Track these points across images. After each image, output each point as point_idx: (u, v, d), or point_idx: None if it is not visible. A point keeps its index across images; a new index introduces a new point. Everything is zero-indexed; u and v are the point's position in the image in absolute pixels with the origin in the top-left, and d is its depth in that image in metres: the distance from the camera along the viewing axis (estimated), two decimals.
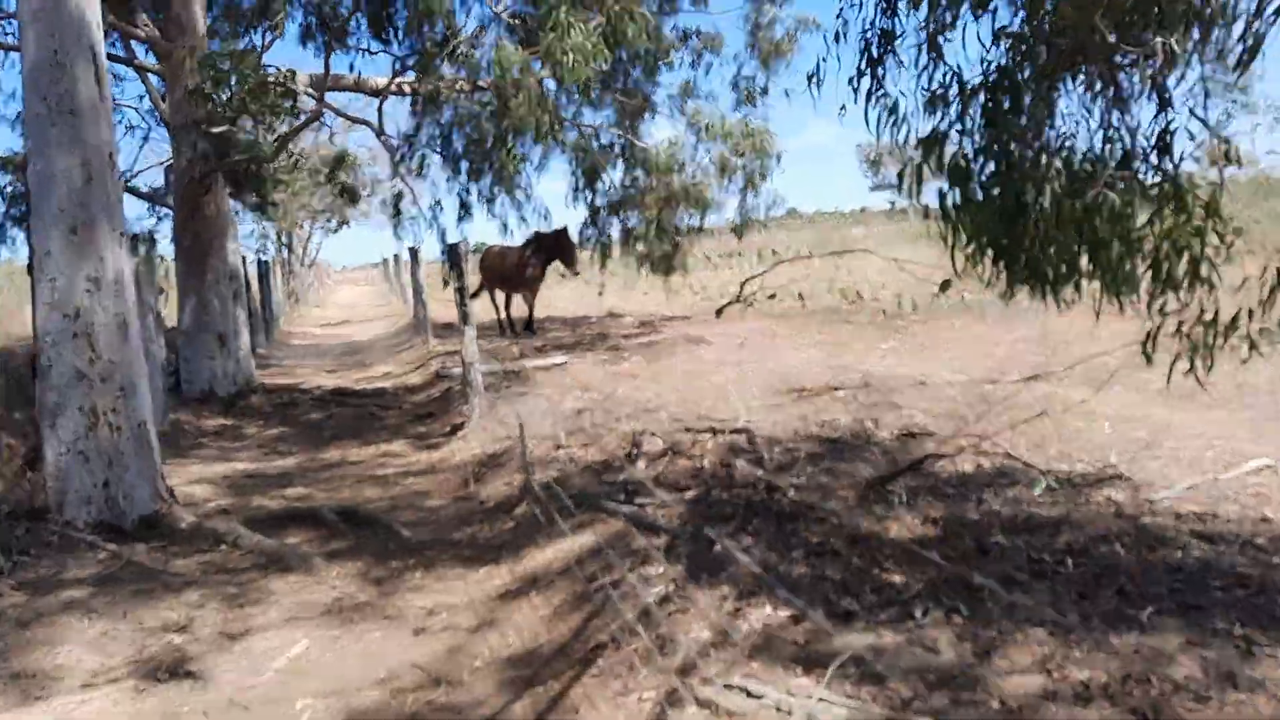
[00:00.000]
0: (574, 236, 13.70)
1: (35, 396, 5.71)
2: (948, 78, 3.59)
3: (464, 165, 9.39)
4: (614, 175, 11.96)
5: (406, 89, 10.51)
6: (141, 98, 12.17)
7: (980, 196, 3.41)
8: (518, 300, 15.10)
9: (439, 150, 9.41)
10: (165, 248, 12.31)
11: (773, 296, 15.33)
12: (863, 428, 6.40)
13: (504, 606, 4.37)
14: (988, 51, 3.43)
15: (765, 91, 13.72)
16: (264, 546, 5.44)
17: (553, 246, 13.30)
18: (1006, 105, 3.34)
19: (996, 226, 3.35)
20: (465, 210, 9.95)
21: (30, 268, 5.68)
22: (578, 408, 7.90)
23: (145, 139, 13.00)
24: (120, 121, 13.24)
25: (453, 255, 8.14)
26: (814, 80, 3.87)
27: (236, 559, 5.38)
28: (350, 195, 16.23)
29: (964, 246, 3.56)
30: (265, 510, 6.41)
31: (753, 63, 13.70)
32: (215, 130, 9.04)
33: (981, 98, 3.45)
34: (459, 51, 8.33)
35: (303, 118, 9.91)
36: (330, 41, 9.56)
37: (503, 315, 15.02)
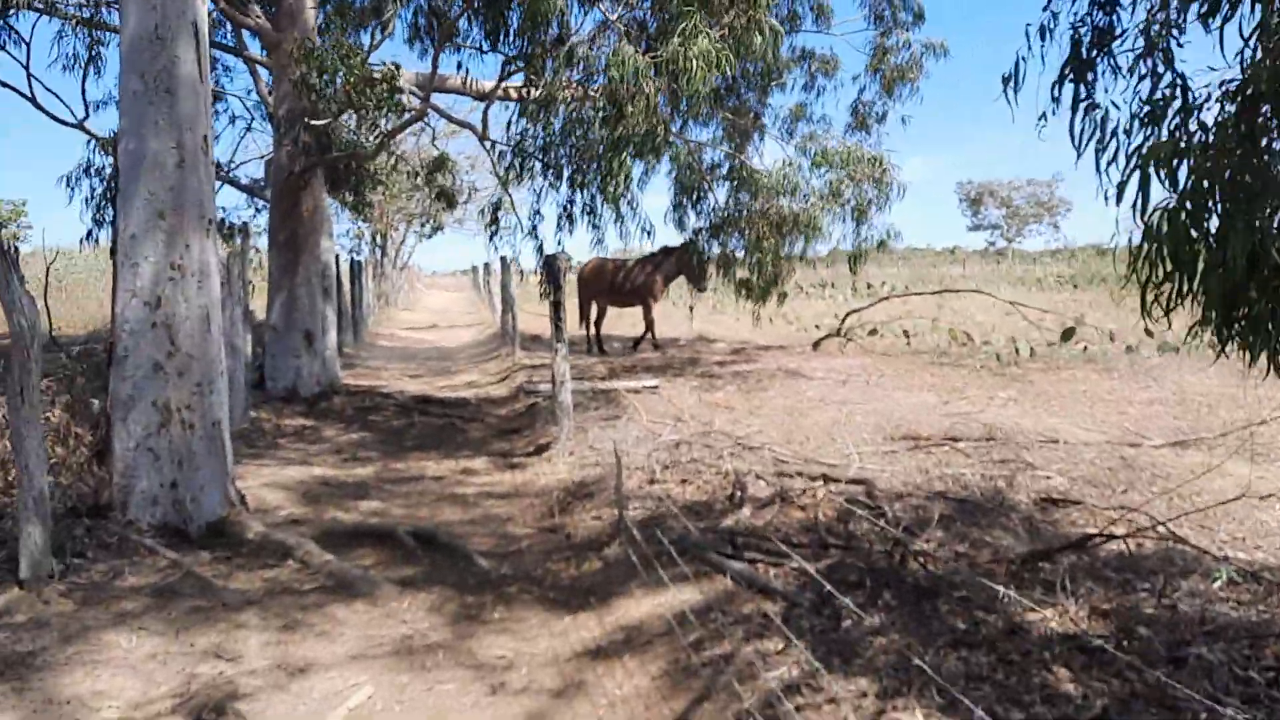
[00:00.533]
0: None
1: (109, 386, 5.39)
2: (1173, 89, 2.98)
3: (568, 174, 8.95)
4: (718, 195, 11.43)
5: (514, 93, 10.15)
6: (249, 91, 11.98)
7: (1216, 228, 2.79)
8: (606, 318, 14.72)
9: (542, 158, 8.98)
10: (261, 242, 12.18)
11: (874, 332, 14.66)
12: (995, 488, 5.74)
13: (593, 667, 3.84)
14: (1235, 55, 2.82)
15: (883, 118, 13.10)
16: (333, 567, 5.01)
17: (680, 261, 12.85)
18: (1264, 118, 2.71)
19: (1230, 266, 2.73)
20: (568, 221, 9.51)
21: (114, 250, 5.37)
22: (673, 439, 7.36)
23: (248, 129, 12.80)
24: (225, 111, 13.22)
25: (550, 267, 7.71)
26: (1010, 84, 3.28)
27: (303, 578, 4.96)
28: (448, 200, 15.97)
29: (1165, 283, 2.93)
30: (338, 524, 6.01)
31: (874, 87, 13.11)
32: (317, 124, 8.76)
33: (1220, 110, 2.84)
34: (575, 54, 7.90)
35: (406, 116, 9.61)
36: (438, 39, 9.23)
37: (593, 332, 14.61)
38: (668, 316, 20.29)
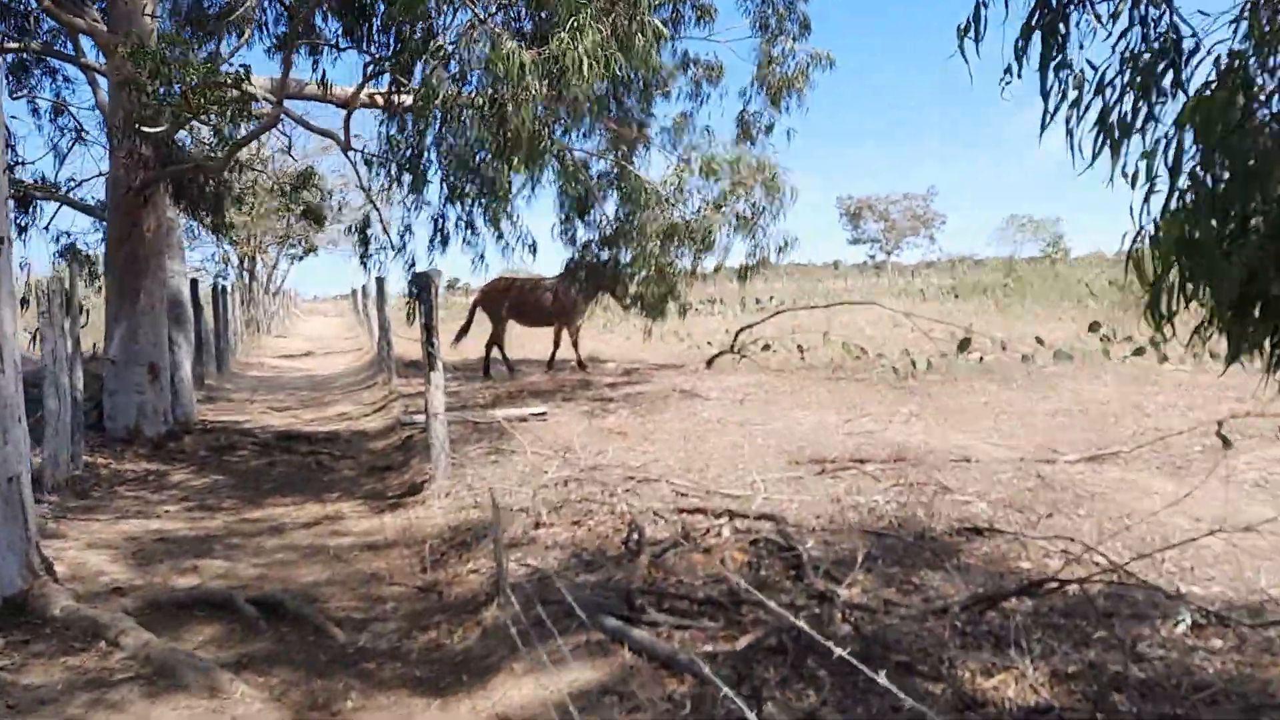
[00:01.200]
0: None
1: None
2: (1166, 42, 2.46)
3: (442, 187, 8.22)
4: (606, 208, 10.84)
5: (379, 100, 9.36)
6: (93, 106, 10.86)
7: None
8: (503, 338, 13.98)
9: (411, 169, 8.23)
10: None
11: (767, 348, 14.27)
12: (912, 517, 5.24)
13: None
14: None
15: (770, 130, 12.72)
16: (153, 650, 4.17)
17: (596, 277, 12.18)
18: None
19: (1250, 258, 2.21)
20: (441, 238, 8.75)
21: None
22: (562, 475, 6.68)
23: (77, 138, 11.62)
24: (69, 127, 12.00)
25: (421, 285, 6.97)
26: (968, 34, 2.70)
27: (115, 666, 4.11)
28: (314, 218, 14.99)
29: (1176, 279, 2.41)
30: (169, 591, 5.14)
31: (760, 98, 12.72)
32: (152, 131, 7.83)
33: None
34: (448, 52, 7.19)
35: (256, 125, 8.72)
36: (289, 36, 8.38)
37: (492, 354, 13.83)
38: (545, 337, 19.62)
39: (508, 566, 4.51)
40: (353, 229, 9.82)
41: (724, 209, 9.72)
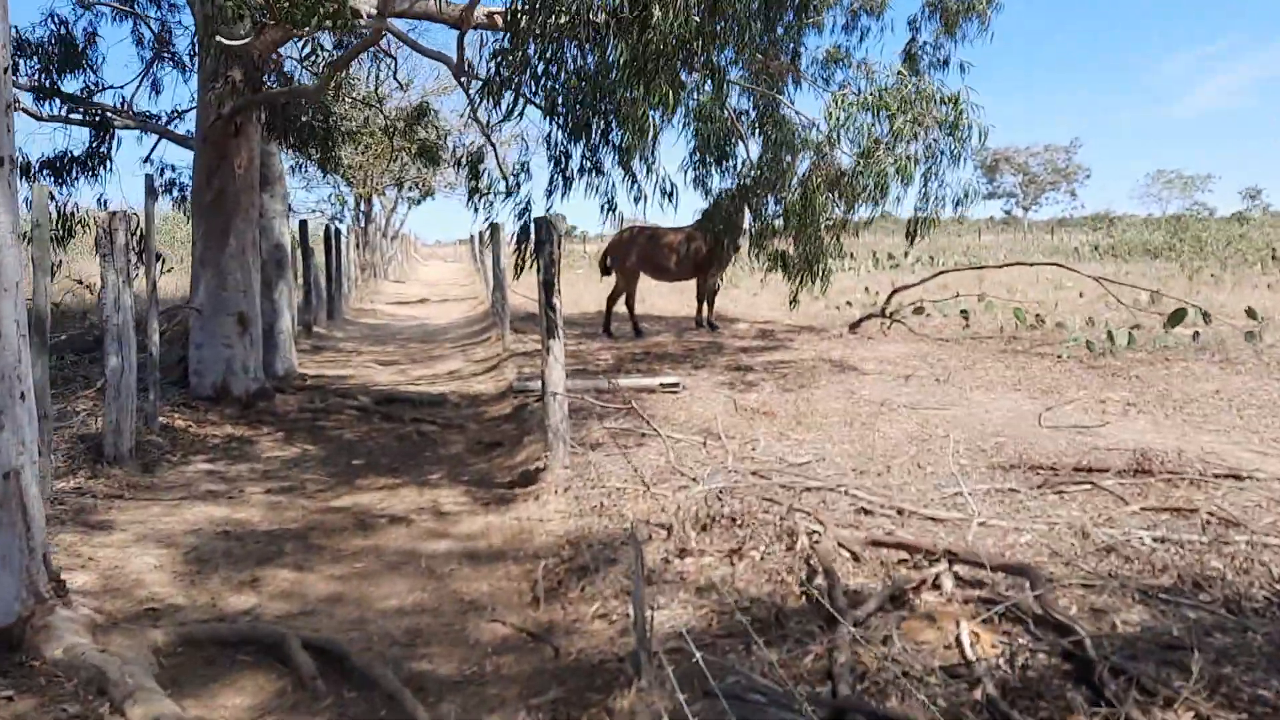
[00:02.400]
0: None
1: None
2: None
3: (563, 120, 6.88)
4: (750, 150, 9.35)
5: (498, 18, 8.07)
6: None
7: None
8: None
9: (534, 91, 6.93)
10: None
11: (920, 311, 12.63)
12: (1213, 572, 3.75)
13: None
14: None
15: (944, 64, 11.03)
16: None
17: (736, 231, 10.85)
18: None
19: None
20: (563, 178, 7.41)
21: None
22: (707, 473, 5.37)
23: (154, 57, 10.64)
24: (164, 54, 11.08)
25: (539, 233, 5.69)
26: None
27: None
28: (429, 157, 13.91)
29: None
30: (215, 619, 4.04)
31: (931, 25, 11.02)
32: (231, 43, 6.69)
33: None
34: None
35: (355, 42, 7.55)
36: None
37: (628, 312, 12.62)
38: (676, 292, 18.26)
39: (652, 628, 3.23)
40: (463, 163, 8.62)
41: (895, 150, 8.14)
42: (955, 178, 8.62)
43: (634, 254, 12.42)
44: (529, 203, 8.40)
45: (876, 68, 10.49)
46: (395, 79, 9.87)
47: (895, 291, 12.02)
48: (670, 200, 7.64)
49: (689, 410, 7.52)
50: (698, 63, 5.82)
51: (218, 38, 6.77)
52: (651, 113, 6.79)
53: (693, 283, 12.89)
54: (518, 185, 8.45)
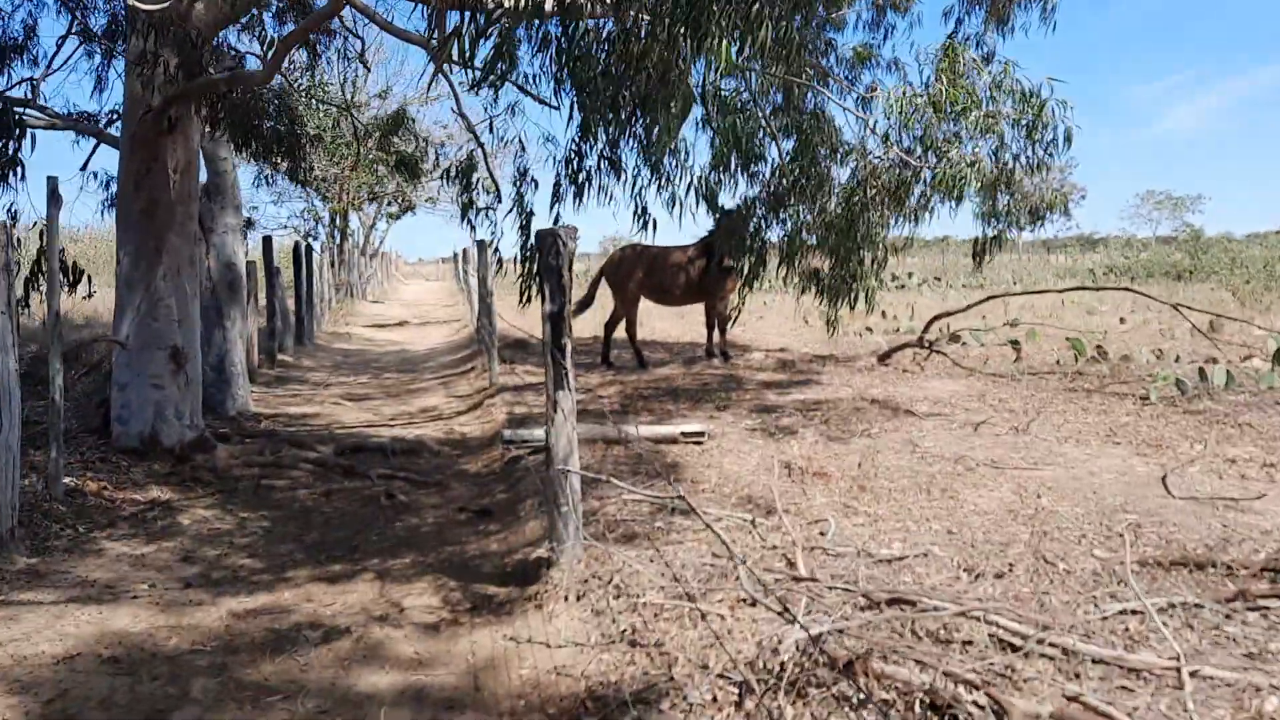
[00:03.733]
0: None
1: None
2: None
3: (583, 93, 5.50)
4: (781, 148, 7.95)
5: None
6: None
7: None
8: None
9: (536, 73, 5.58)
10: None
11: (956, 339, 11.31)
12: None
13: None
14: None
15: (987, 60, 9.71)
16: None
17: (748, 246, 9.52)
18: None
19: None
20: (573, 181, 6.02)
21: None
22: (773, 577, 3.96)
23: (67, 33, 9.14)
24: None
25: (545, 251, 4.29)
26: None
27: None
28: (409, 169, 12.52)
29: None
30: None
31: (975, 16, 9.73)
32: (150, 6, 5.26)
33: None
34: None
35: (307, 20, 6.16)
36: None
37: (629, 340, 11.26)
38: (677, 314, 16.89)
39: None
40: (452, 173, 7.26)
41: (962, 151, 6.79)
42: (1034, 184, 7.25)
43: (636, 276, 11.03)
44: (531, 213, 7.02)
45: (908, 67, 9.19)
46: (362, 62, 8.44)
47: (936, 318, 10.66)
48: (706, 204, 6.23)
49: (721, 469, 6.12)
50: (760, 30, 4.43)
51: (149, 18, 5.35)
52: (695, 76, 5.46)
53: (689, 302, 11.58)
54: (519, 194, 7.06)
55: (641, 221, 6.18)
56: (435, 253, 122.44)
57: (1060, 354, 10.55)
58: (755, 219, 8.20)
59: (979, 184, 6.85)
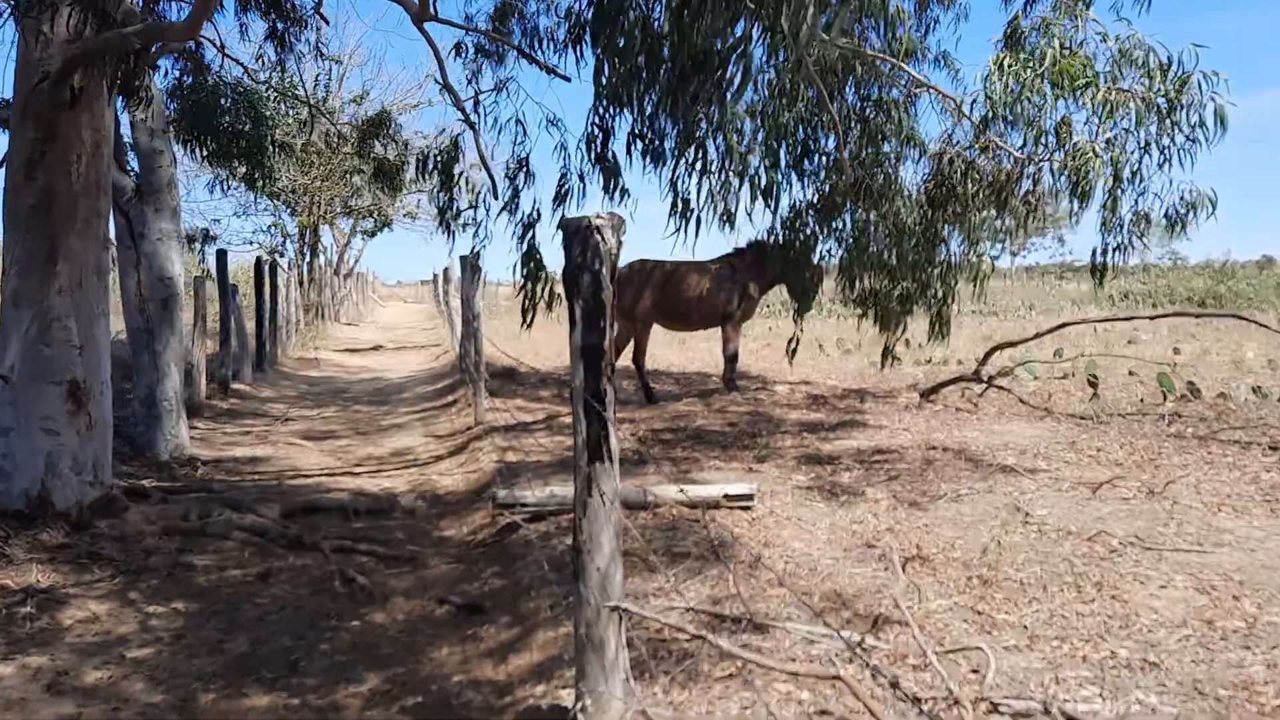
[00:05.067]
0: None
1: None
2: None
3: (600, 68, 4.09)
4: (846, 139, 6.52)
5: None
6: None
7: None
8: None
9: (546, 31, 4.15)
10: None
11: (1006, 374, 9.91)
12: None
13: None
14: None
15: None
16: None
17: (758, 264, 8.24)
18: None
19: None
20: (602, 166, 4.57)
21: None
22: None
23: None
24: None
25: (577, 255, 2.80)
26: None
27: None
28: (387, 179, 11.05)
29: None
30: None
31: None
32: None
33: None
34: None
35: None
36: None
37: (636, 372, 9.83)
38: (676, 340, 15.44)
39: None
40: (429, 164, 5.84)
41: (1077, 140, 5.39)
42: (1175, 182, 5.84)
43: (645, 297, 9.56)
44: (535, 214, 5.58)
45: (960, 57, 7.81)
46: (319, 14, 6.97)
47: (998, 349, 9.22)
48: (769, 201, 4.76)
49: (785, 548, 4.65)
50: None
51: None
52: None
53: (707, 327, 10.19)
54: (515, 190, 5.62)
55: (685, 220, 4.72)
56: (415, 274, 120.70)
57: (1139, 390, 9.15)
58: (808, 229, 6.77)
59: (1113, 177, 5.47)
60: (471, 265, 9.35)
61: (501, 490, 5.56)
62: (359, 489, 6.87)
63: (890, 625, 3.61)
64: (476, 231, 6.26)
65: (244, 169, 10.65)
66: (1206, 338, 14.14)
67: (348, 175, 15.01)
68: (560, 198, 5.81)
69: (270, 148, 10.80)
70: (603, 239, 2.79)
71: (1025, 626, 3.62)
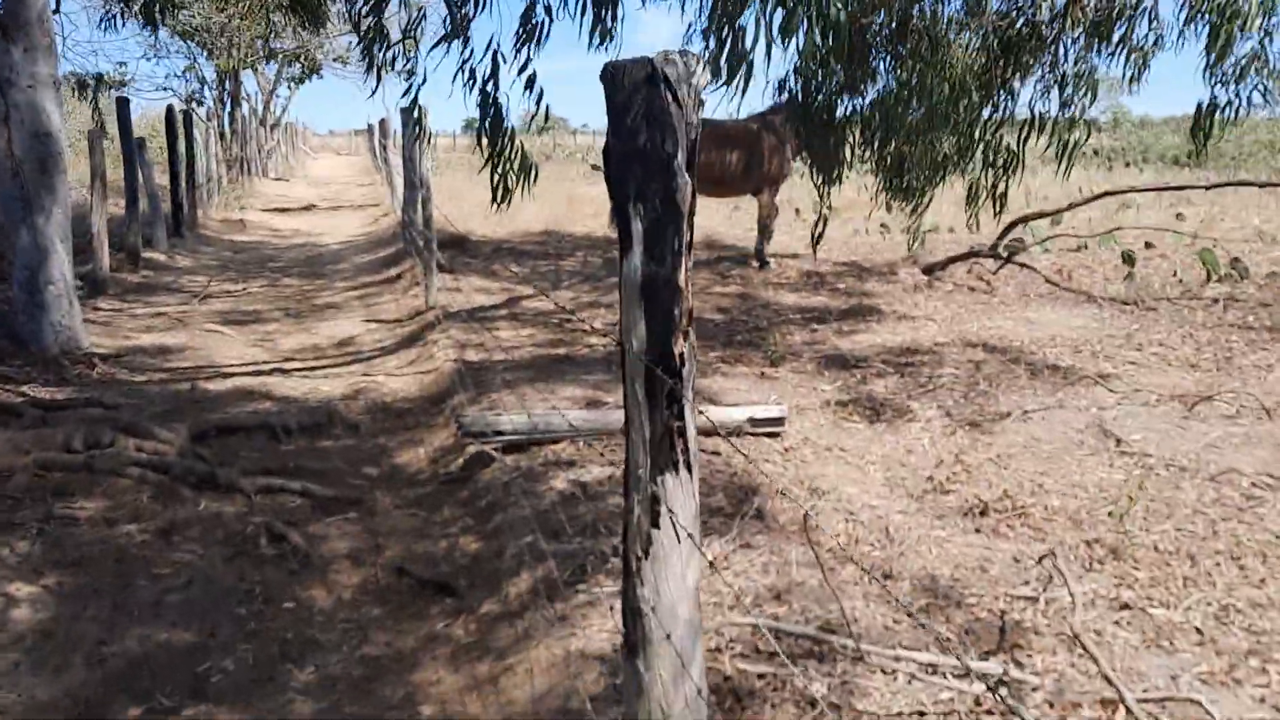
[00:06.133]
0: None
1: None
2: None
3: None
4: None
5: None
6: None
7: None
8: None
9: None
10: None
11: (1020, 249, 8.89)
12: None
13: None
14: None
15: None
16: None
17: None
18: None
19: None
20: None
21: None
22: None
23: None
24: None
25: (624, 110, 1.70)
26: None
27: None
28: (307, 10, 9.45)
29: None
30: None
31: None
32: None
33: None
34: None
35: None
36: None
37: None
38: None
39: None
40: None
41: None
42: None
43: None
44: (496, 58, 4.33)
45: None
46: None
47: (1019, 220, 8.17)
48: (786, 41, 3.53)
49: (837, 495, 3.65)
50: None
51: None
52: None
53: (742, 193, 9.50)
54: (465, 20, 4.35)
55: (733, 67, 3.50)
56: (348, 124, 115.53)
57: (1163, 265, 8.22)
58: (834, 81, 5.53)
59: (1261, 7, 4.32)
60: (416, 120, 7.95)
61: (469, 413, 4.45)
62: (289, 395, 5.72)
63: (1023, 634, 2.65)
64: (410, 73, 4.95)
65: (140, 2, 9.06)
66: (1201, 202, 13.22)
67: (265, 10, 13.16)
68: (522, 36, 4.54)
69: None
70: (676, 99, 1.62)
71: (1199, 630, 2.69)
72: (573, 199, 14.67)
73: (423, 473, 4.58)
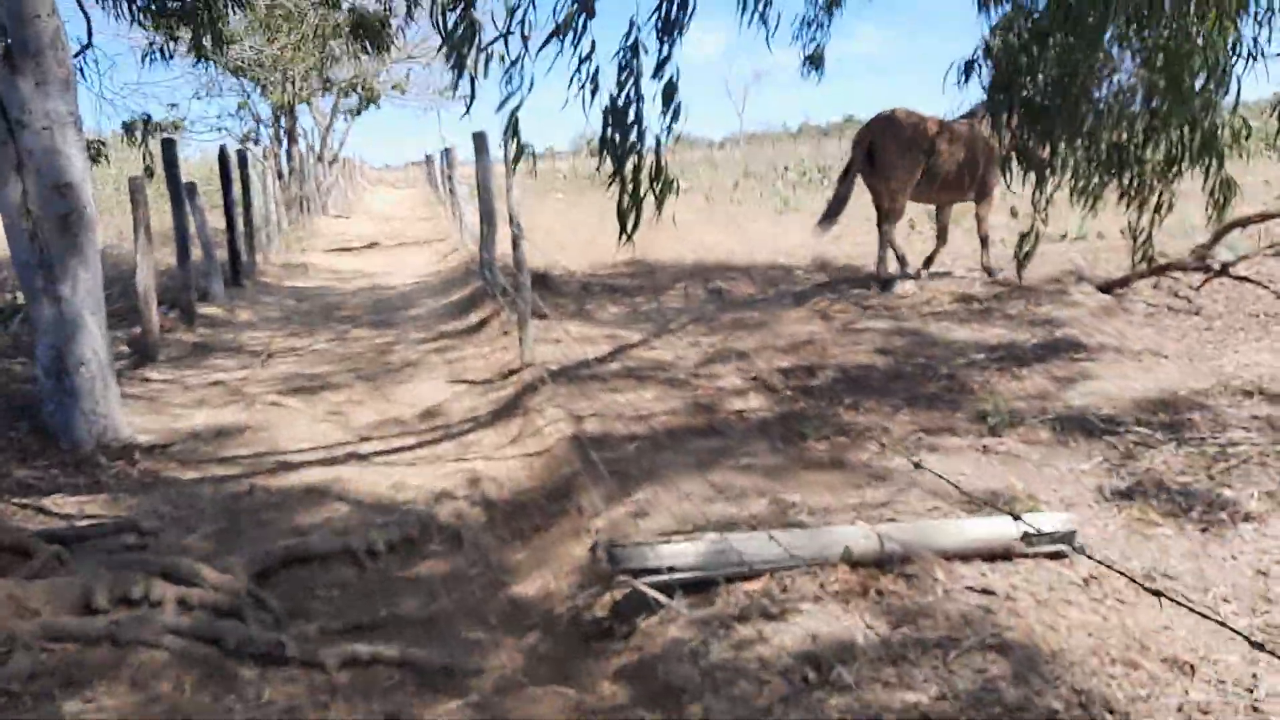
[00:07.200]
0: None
1: None
2: None
3: None
4: None
5: None
6: None
7: None
8: None
9: None
10: None
11: (1234, 252, 7.45)
12: None
13: None
14: None
15: None
16: None
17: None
18: None
19: None
20: None
21: None
22: None
23: None
24: None
25: None
26: None
27: None
28: (370, 35, 8.45)
29: None
30: None
31: None
32: None
33: None
34: None
35: None
36: None
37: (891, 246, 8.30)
38: (710, 216, 12.94)
39: None
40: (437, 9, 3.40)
41: None
42: None
43: (913, 154, 7.68)
44: (635, 49, 3.17)
45: None
46: None
47: (1230, 226, 6.78)
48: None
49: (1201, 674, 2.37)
50: None
51: None
52: None
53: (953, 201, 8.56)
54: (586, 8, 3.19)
55: None
56: (403, 157, 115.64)
57: None
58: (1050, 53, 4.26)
59: None
60: (512, 138, 6.78)
61: (619, 545, 3.20)
62: (370, 493, 4.57)
63: None
64: (507, 75, 3.75)
65: (191, 30, 8.11)
66: None
67: (321, 38, 12.25)
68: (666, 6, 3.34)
69: (225, 5, 8.28)
70: None
71: None
72: (649, 222, 13.50)
73: (555, 612, 3.39)
